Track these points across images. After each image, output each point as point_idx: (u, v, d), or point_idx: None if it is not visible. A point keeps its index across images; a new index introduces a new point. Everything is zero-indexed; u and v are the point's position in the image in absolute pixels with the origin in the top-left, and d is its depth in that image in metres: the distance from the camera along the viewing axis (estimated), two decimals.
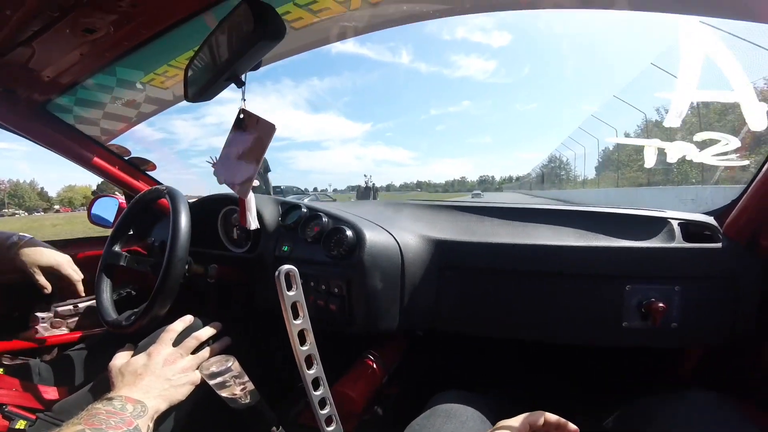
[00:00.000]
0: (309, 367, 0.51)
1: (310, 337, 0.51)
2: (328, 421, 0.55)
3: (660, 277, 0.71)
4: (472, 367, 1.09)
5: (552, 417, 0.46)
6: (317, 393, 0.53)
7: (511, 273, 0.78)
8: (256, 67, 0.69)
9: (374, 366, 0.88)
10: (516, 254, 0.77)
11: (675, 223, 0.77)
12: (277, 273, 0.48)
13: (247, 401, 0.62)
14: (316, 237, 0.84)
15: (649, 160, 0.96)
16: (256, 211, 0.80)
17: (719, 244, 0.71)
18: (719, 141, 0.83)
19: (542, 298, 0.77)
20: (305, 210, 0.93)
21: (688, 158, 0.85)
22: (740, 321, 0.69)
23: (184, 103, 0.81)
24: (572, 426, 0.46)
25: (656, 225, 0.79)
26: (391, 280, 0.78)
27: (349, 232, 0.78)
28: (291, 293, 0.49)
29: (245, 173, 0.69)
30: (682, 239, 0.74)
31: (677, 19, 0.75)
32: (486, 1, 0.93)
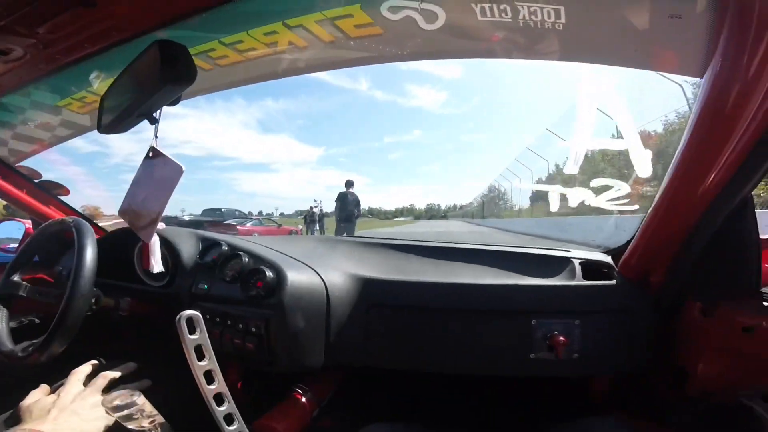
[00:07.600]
0: (219, 404, 0.52)
1: (218, 377, 0.52)
2: None
3: (561, 312, 0.78)
4: (403, 399, 1.11)
5: None
6: (231, 428, 0.53)
7: (434, 310, 0.83)
8: (173, 103, 0.71)
9: (303, 399, 0.87)
10: (439, 293, 0.83)
11: (576, 262, 0.85)
12: (178, 318, 0.48)
13: None
14: (234, 276, 0.83)
15: (554, 205, 1.05)
16: (160, 255, 0.78)
17: (614, 281, 0.79)
18: (612, 187, 0.91)
19: (461, 333, 0.81)
20: (225, 248, 0.91)
21: (587, 203, 0.93)
22: (635, 352, 0.77)
23: None
24: None
25: (561, 264, 0.86)
26: (315, 319, 0.79)
27: (269, 273, 0.78)
28: (194, 337, 0.49)
29: (149, 215, 0.67)
30: (581, 277, 0.82)
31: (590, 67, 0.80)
32: (428, 49, 0.92)
